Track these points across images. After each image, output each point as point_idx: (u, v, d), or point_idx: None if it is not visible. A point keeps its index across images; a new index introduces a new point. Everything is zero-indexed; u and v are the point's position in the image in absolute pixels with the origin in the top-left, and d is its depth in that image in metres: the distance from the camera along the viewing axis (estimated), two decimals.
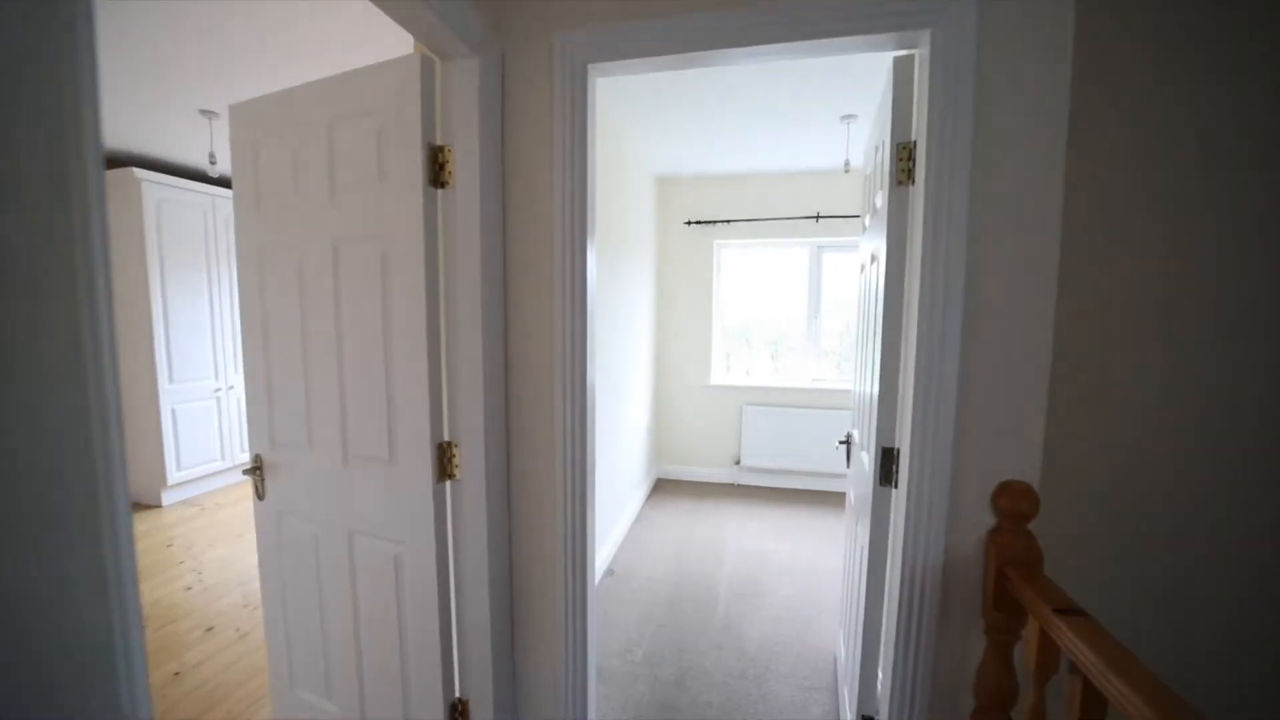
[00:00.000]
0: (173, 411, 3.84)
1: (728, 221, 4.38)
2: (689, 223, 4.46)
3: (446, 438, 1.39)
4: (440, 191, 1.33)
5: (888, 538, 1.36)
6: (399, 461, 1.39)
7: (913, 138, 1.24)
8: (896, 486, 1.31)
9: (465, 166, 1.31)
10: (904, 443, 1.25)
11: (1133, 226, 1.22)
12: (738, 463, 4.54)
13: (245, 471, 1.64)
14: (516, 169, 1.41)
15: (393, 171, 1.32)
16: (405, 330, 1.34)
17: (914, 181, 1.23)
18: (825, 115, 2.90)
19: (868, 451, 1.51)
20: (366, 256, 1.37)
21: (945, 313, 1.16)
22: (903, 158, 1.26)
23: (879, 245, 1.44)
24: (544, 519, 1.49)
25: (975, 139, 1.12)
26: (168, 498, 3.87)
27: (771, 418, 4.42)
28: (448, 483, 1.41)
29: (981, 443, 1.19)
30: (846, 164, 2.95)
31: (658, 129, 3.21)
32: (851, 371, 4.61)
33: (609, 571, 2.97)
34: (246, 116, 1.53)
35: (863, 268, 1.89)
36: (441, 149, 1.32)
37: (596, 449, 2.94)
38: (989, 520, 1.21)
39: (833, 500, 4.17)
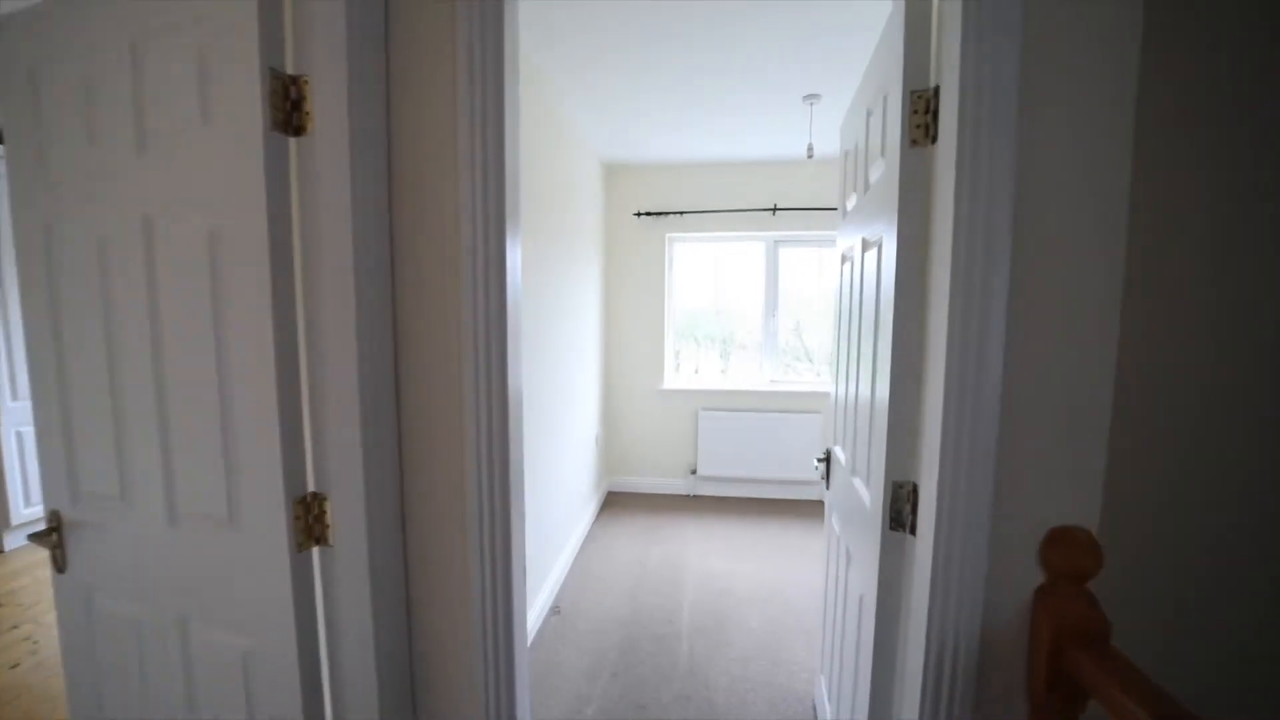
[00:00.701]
0: (18, 435, 3.16)
1: (680, 213, 4.08)
2: (639, 214, 4.15)
3: (312, 488, 1.00)
4: (295, 140, 0.94)
5: (901, 596, 1.08)
6: (243, 522, 0.99)
7: (933, 83, 0.96)
8: (914, 533, 1.03)
9: (330, 105, 0.93)
10: (926, 478, 0.97)
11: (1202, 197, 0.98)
12: (694, 472, 4.26)
13: (33, 537, 1.17)
14: (406, 110, 1.02)
15: (222, 112, 0.92)
16: (246, 338, 0.94)
17: (936, 140, 0.95)
18: (786, 95, 2.65)
19: (866, 483, 1.22)
20: (189, 235, 0.96)
21: (987, 310, 0.88)
22: (919, 110, 0.97)
23: (879, 228, 1.16)
24: (455, 583, 1.12)
25: (1022, 79, 0.85)
26: (12, 541, 3.18)
27: (729, 423, 4.17)
28: (315, 550, 1.01)
29: (1026, 478, 0.92)
30: (810, 149, 2.71)
31: (604, 104, 2.87)
32: (805, 371, 4.46)
33: (554, 610, 2.60)
34: (18, 32, 1.08)
35: (844, 258, 1.62)
36: (295, 80, 0.93)
37: (537, 467, 2.58)
38: (1035, 577, 0.94)
39: (795, 509, 3.96)
